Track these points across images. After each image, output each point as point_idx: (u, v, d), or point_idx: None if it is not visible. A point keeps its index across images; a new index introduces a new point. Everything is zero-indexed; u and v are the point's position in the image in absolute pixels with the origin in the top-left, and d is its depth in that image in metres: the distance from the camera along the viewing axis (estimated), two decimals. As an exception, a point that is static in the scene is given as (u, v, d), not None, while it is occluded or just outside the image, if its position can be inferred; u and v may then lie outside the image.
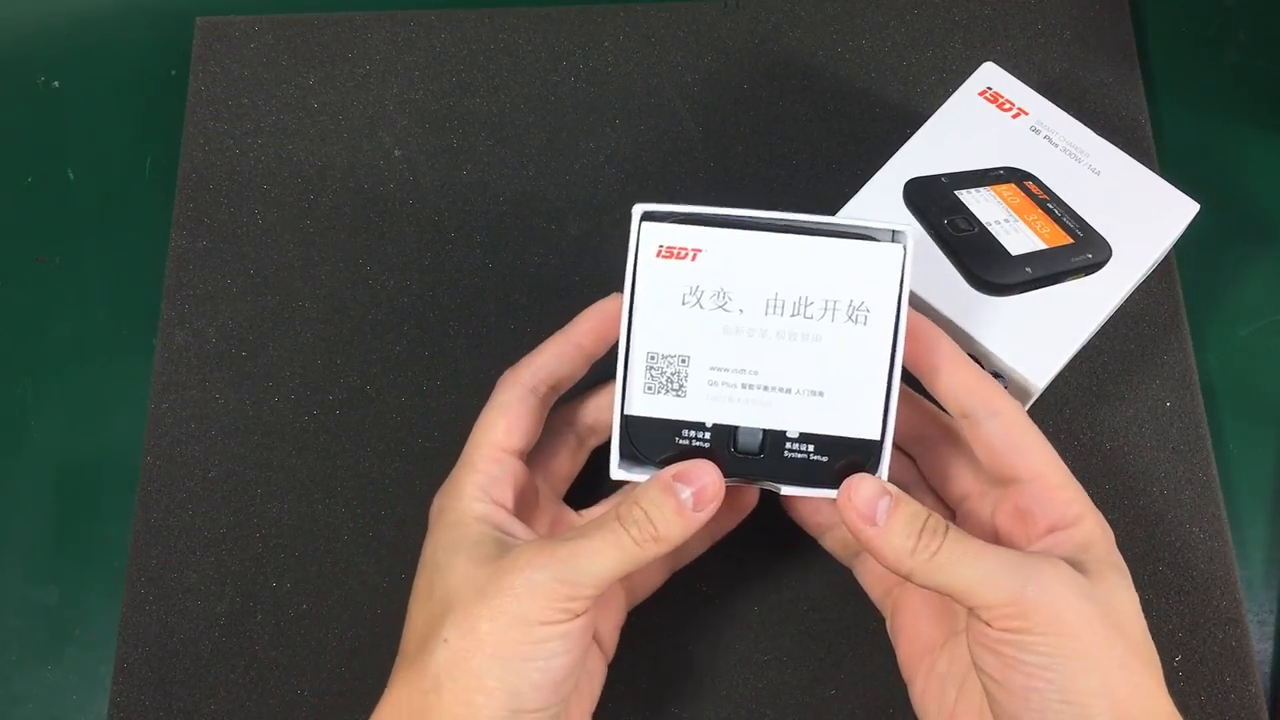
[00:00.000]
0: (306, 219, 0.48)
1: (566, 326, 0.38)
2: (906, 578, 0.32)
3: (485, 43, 0.52)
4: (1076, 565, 0.32)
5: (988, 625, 0.31)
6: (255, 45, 0.51)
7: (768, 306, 0.34)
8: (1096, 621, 0.31)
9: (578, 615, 0.32)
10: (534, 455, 0.39)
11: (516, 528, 0.35)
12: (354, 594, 0.43)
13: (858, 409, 0.34)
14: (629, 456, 0.35)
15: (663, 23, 0.52)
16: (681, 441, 0.34)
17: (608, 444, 0.35)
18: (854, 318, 0.34)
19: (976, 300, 0.40)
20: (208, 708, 0.41)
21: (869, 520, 0.32)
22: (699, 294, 0.34)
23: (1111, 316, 0.40)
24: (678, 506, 0.33)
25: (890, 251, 0.34)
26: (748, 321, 0.34)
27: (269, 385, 0.46)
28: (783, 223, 0.34)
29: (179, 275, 0.47)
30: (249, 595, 0.43)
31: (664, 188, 0.49)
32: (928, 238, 0.41)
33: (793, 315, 0.34)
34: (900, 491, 0.33)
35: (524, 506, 0.37)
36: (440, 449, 0.44)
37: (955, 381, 0.35)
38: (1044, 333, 0.40)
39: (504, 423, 0.36)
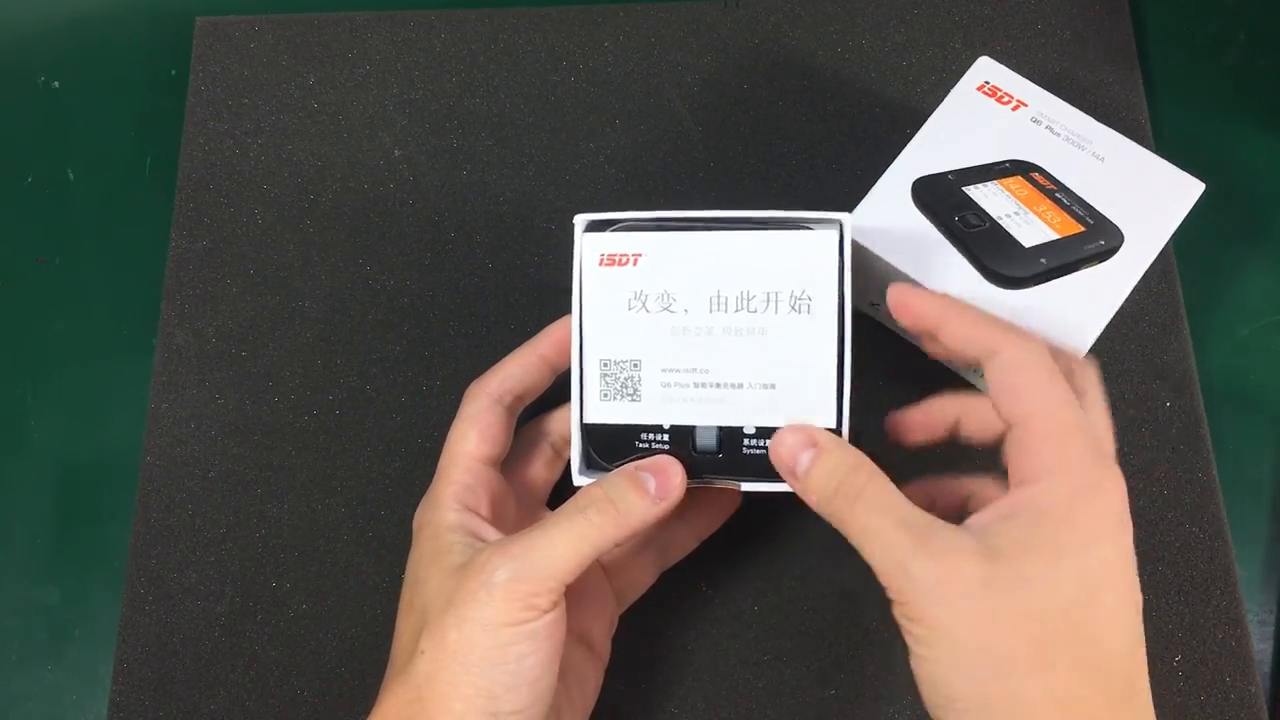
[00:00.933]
0: (306, 219, 0.48)
1: (532, 339, 0.39)
2: (836, 526, 0.32)
3: (485, 43, 0.52)
4: (1008, 541, 0.29)
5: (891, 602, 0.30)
6: (255, 45, 0.51)
7: (711, 304, 0.34)
8: (979, 614, 0.28)
9: (544, 611, 0.32)
10: (512, 465, 0.39)
11: (490, 533, 0.35)
12: (354, 594, 0.43)
13: (812, 398, 0.34)
14: (591, 464, 0.35)
15: (663, 23, 0.52)
16: (641, 445, 0.35)
17: None
18: (797, 307, 0.34)
19: (993, 295, 0.40)
20: (208, 708, 0.41)
21: (791, 471, 0.33)
22: (644, 298, 0.34)
23: (1112, 316, 0.40)
24: (640, 489, 0.33)
25: (824, 238, 0.34)
26: (694, 321, 0.34)
27: (269, 385, 0.46)
28: (723, 221, 0.35)
29: (179, 275, 0.47)
30: (249, 595, 0.43)
31: (664, 188, 0.49)
32: (941, 236, 0.41)
33: (736, 311, 0.34)
34: (835, 443, 0.32)
35: (501, 513, 0.37)
36: (440, 449, 0.44)
37: (954, 332, 0.33)
38: (1064, 322, 0.40)
39: (475, 433, 0.37)
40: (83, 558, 0.45)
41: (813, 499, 0.32)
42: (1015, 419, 0.31)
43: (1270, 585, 0.44)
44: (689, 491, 0.35)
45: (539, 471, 0.40)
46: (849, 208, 0.42)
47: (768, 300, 0.34)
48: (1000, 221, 0.41)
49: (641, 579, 0.40)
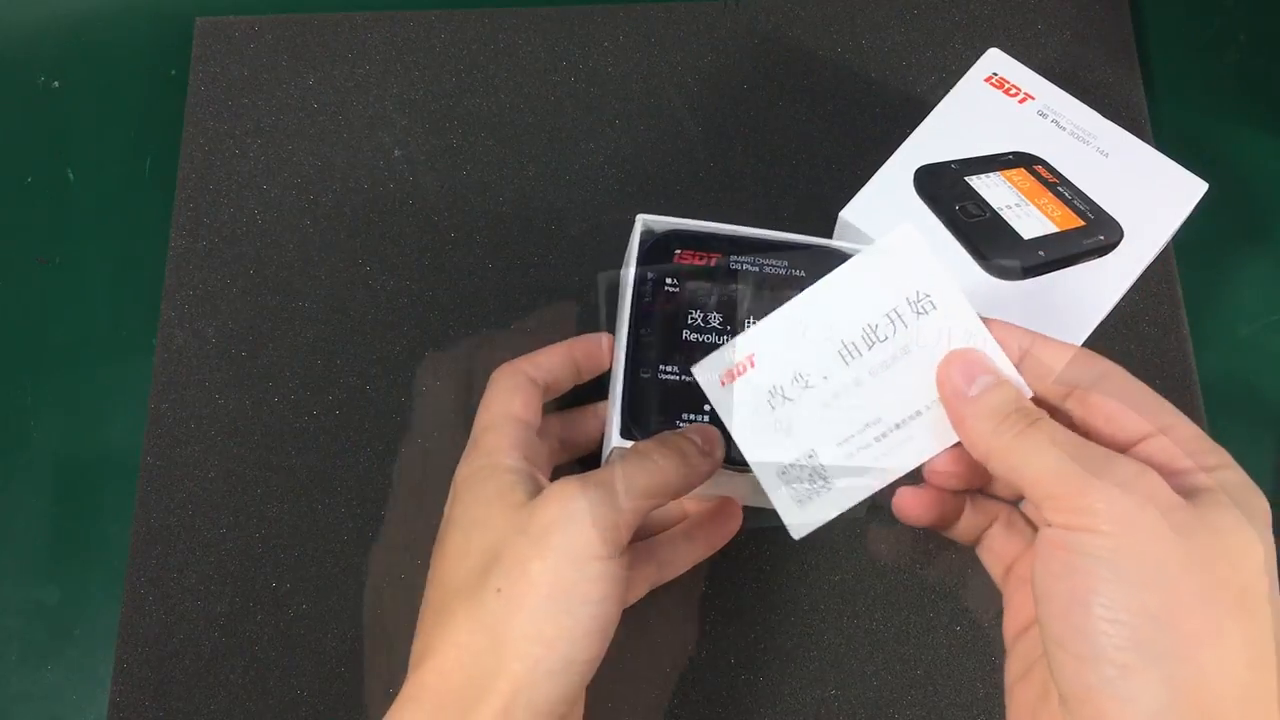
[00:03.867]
0: (306, 219, 0.48)
1: (566, 341, 0.39)
2: (984, 462, 0.30)
3: (485, 43, 0.52)
4: (1192, 494, 0.27)
5: (1049, 525, 0.27)
6: (255, 45, 0.51)
7: (844, 358, 0.33)
8: (1177, 544, 0.26)
9: (620, 552, 0.31)
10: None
11: (544, 480, 0.35)
12: (354, 594, 0.43)
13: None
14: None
15: (663, 23, 0.52)
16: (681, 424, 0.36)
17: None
18: (921, 309, 0.33)
19: (991, 285, 0.40)
20: (208, 708, 0.41)
21: (961, 390, 0.31)
22: (780, 391, 0.33)
23: (1111, 316, 0.40)
24: (692, 443, 0.33)
25: (904, 235, 0.33)
26: (838, 383, 0.33)
27: (269, 385, 0.46)
28: (768, 243, 0.36)
29: (179, 275, 0.47)
30: (249, 595, 0.43)
31: (664, 188, 0.49)
32: (940, 224, 0.41)
33: (870, 348, 0.33)
34: (1012, 377, 0.31)
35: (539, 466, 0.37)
36: (441, 448, 0.44)
37: (1050, 355, 0.32)
38: (1060, 314, 0.40)
39: (519, 399, 0.37)
40: (83, 558, 0.45)
41: (982, 424, 0.30)
42: (1155, 428, 0.29)
43: (1270, 585, 0.44)
44: (699, 512, 0.34)
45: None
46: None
47: (892, 321, 0.33)
48: (1001, 212, 0.41)
49: (634, 592, 0.39)
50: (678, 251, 0.38)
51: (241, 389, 0.46)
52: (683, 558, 0.40)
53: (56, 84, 0.52)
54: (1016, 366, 0.32)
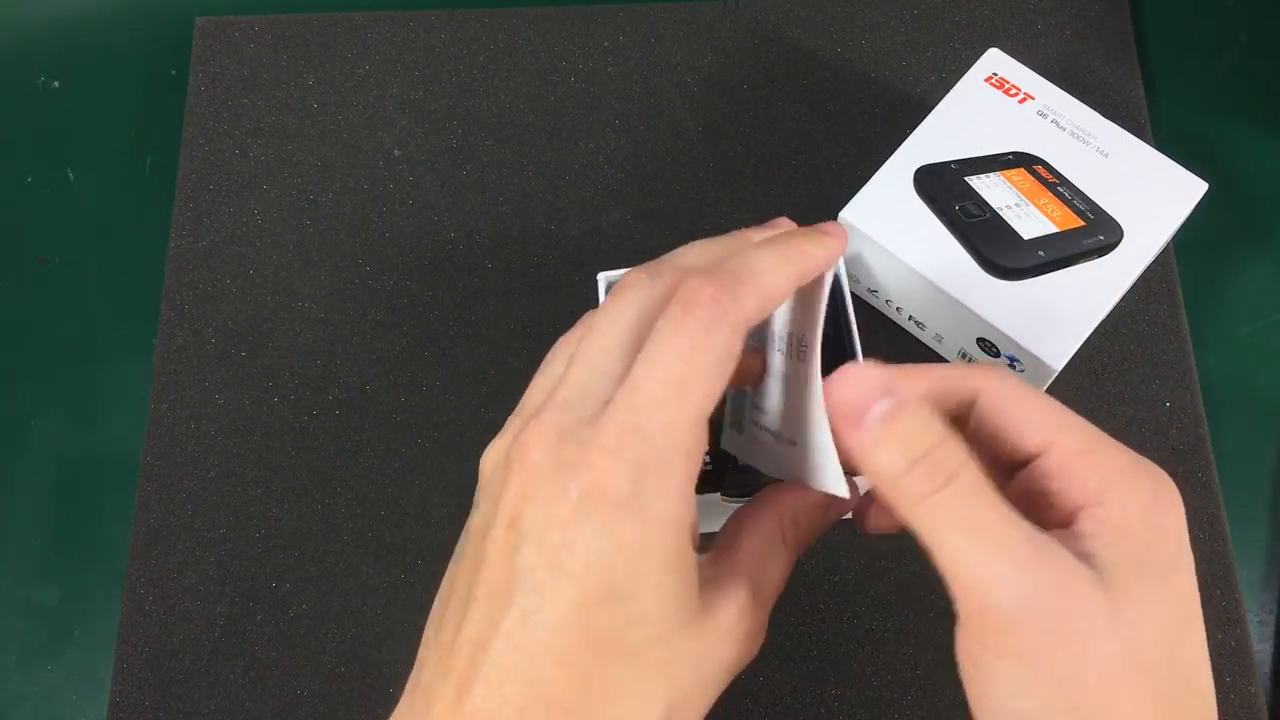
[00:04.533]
0: (306, 219, 0.48)
1: (784, 238, 0.27)
2: (893, 509, 0.25)
3: (485, 43, 0.52)
4: (1112, 561, 0.23)
5: (961, 628, 0.24)
6: (255, 45, 0.51)
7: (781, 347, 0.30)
8: (1101, 659, 0.23)
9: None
10: None
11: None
12: (354, 594, 0.43)
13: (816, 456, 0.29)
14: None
15: (663, 23, 0.52)
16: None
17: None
18: (798, 355, 0.29)
19: (990, 285, 0.40)
20: (207, 708, 0.41)
21: (854, 420, 0.24)
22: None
23: (1111, 316, 0.40)
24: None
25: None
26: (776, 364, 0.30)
27: (269, 385, 0.46)
28: None
29: (179, 275, 0.47)
30: (249, 595, 0.43)
31: (664, 188, 0.49)
32: (941, 224, 0.41)
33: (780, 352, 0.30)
34: (917, 403, 0.25)
35: None
36: (440, 449, 0.44)
37: (928, 385, 0.26)
38: (1059, 315, 0.40)
39: (718, 387, 0.24)
40: (83, 558, 0.45)
41: (878, 468, 0.24)
42: (1035, 447, 0.25)
43: (1270, 585, 0.44)
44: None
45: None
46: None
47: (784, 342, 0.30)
48: (1000, 212, 0.41)
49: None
50: None
51: (241, 389, 0.46)
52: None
53: (56, 84, 0.52)
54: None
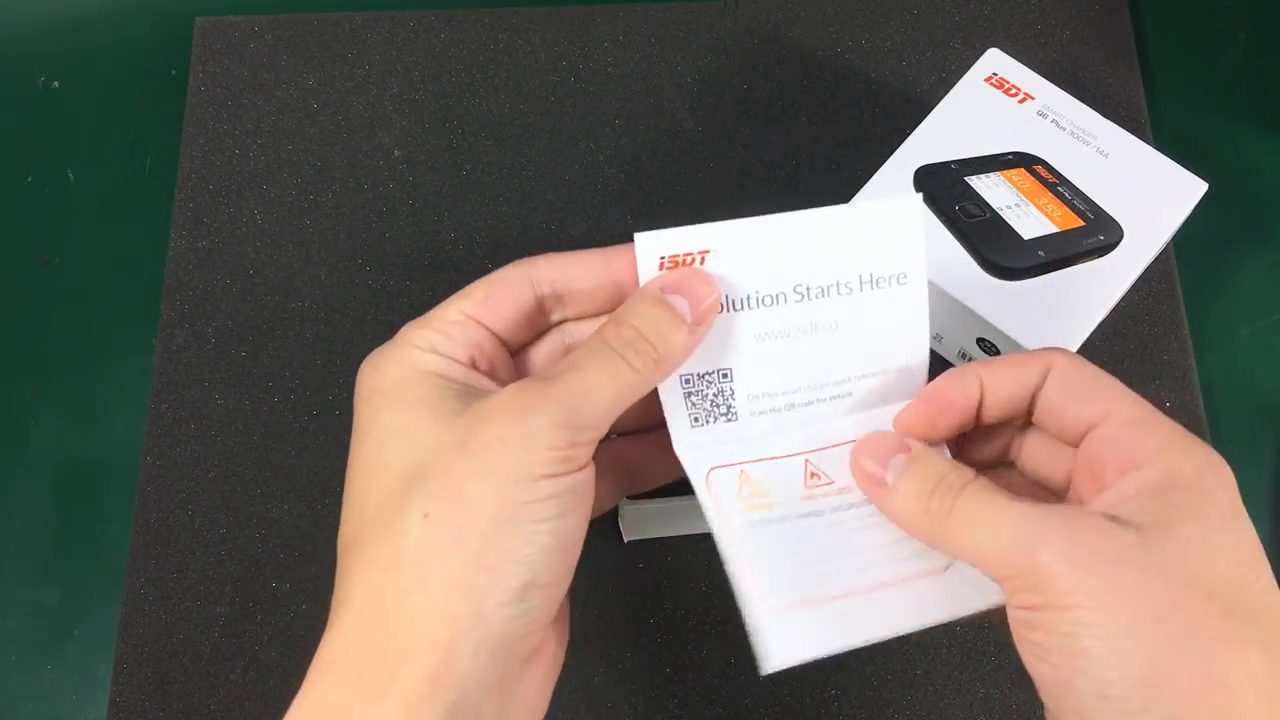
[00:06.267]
0: (306, 219, 0.48)
1: (611, 247, 0.31)
2: (929, 545, 0.28)
3: (485, 43, 0.52)
4: (1141, 515, 0.25)
5: (1011, 606, 0.26)
6: (255, 45, 0.51)
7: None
8: (1140, 587, 0.24)
9: (581, 467, 0.27)
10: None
11: (483, 383, 0.29)
12: (354, 594, 0.43)
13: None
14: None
15: (663, 23, 0.52)
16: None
17: None
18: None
19: (990, 285, 0.40)
20: (207, 708, 0.41)
21: (878, 480, 0.29)
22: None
23: (1111, 316, 0.40)
24: (674, 319, 0.28)
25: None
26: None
27: (269, 385, 0.46)
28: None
29: (179, 275, 0.47)
30: (249, 596, 0.43)
31: (664, 188, 0.49)
32: (941, 224, 0.41)
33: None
34: (925, 449, 0.29)
35: (489, 376, 0.30)
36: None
37: (1000, 377, 0.29)
38: (1059, 315, 0.40)
39: (482, 291, 0.30)
40: (83, 558, 0.45)
41: (909, 509, 0.28)
42: (1095, 417, 0.28)
43: (1270, 585, 0.44)
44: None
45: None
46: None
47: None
48: (1000, 212, 0.42)
49: (600, 502, 0.33)
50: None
51: (241, 389, 0.46)
52: (660, 464, 0.33)
53: (56, 84, 0.52)
54: (978, 408, 0.30)
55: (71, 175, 0.51)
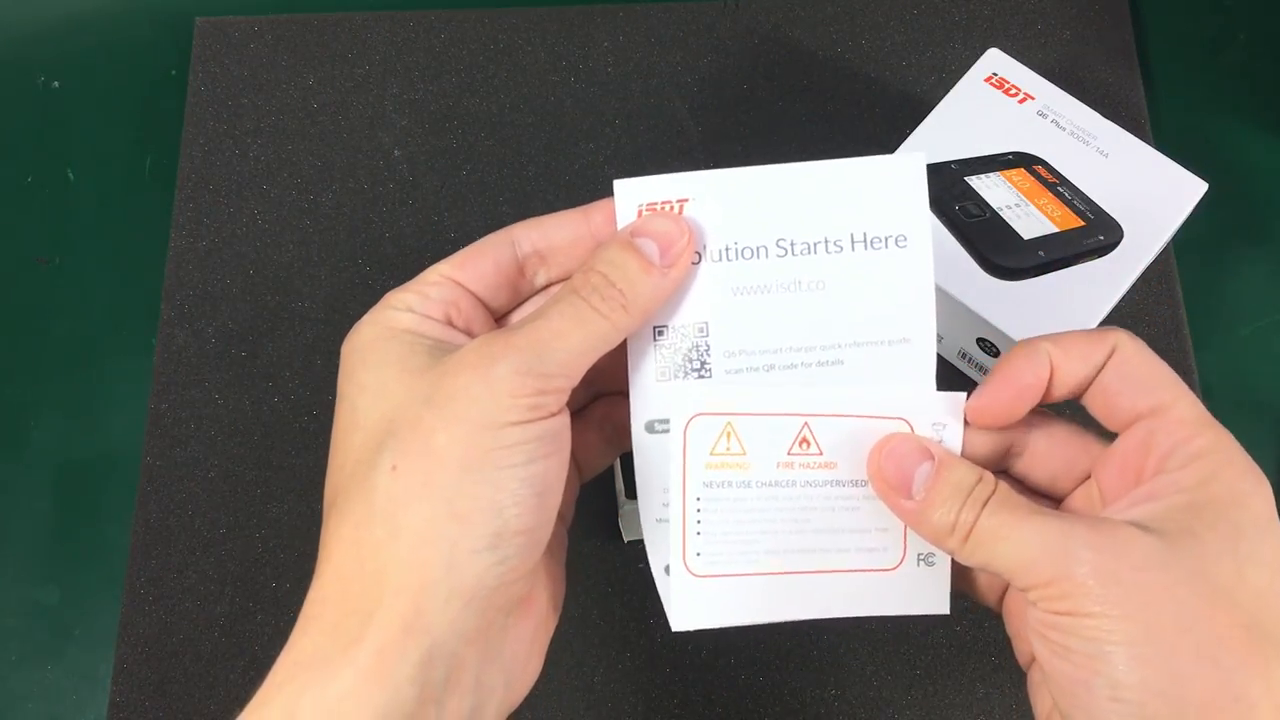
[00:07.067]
0: (306, 219, 0.48)
1: (586, 205, 0.31)
2: (954, 557, 0.28)
3: (485, 43, 0.52)
4: (1170, 521, 0.25)
5: (1035, 608, 0.26)
6: (255, 45, 0.51)
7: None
8: (1165, 594, 0.24)
9: (553, 414, 0.26)
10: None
11: (458, 339, 0.29)
12: (354, 594, 0.43)
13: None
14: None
15: (663, 23, 0.52)
16: None
17: None
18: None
19: (990, 285, 0.40)
20: (207, 708, 0.41)
21: (904, 491, 0.27)
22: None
23: (1111, 316, 0.40)
24: (643, 263, 0.28)
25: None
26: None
27: (269, 385, 0.46)
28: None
29: (179, 275, 0.47)
30: (249, 595, 0.43)
31: (664, 188, 0.49)
32: (940, 224, 0.41)
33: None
34: (948, 456, 0.28)
35: (466, 334, 0.30)
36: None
37: (1070, 355, 0.28)
38: (1059, 315, 0.40)
39: (461, 255, 0.31)
40: (83, 558, 0.45)
41: (937, 527, 0.27)
42: (1146, 409, 0.27)
43: (1270, 585, 0.44)
44: None
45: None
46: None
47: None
48: (1000, 212, 0.42)
49: (594, 459, 0.33)
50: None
51: (241, 389, 0.46)
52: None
53: (56, 84, 0.52)
54: (1049, 382, 0.28)
55: (71, 175, 0.51)
